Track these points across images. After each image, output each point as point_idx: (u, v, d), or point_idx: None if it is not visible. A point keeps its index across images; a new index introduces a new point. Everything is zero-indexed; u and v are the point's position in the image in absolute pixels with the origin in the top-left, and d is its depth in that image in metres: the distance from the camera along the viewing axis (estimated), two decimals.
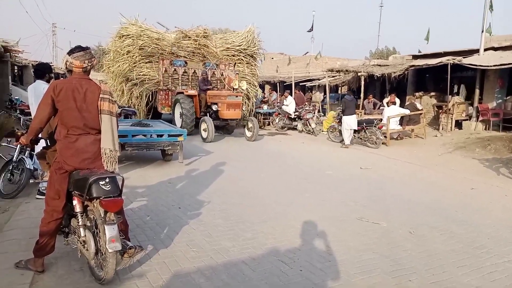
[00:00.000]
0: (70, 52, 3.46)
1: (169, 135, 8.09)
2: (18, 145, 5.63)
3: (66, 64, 3.46)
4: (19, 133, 5.47)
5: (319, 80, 23.45)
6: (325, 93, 21.37)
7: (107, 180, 3.17)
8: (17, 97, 14.08)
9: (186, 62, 15.31)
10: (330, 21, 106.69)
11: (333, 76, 21.06)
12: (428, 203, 6.26)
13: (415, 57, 17.49)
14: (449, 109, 14.04)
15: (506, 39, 14.75)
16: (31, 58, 22.27)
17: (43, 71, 5.83)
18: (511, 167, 9.01)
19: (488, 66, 12.40)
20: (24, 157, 5.74)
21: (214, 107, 12.65)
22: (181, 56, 15.38)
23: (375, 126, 12.17)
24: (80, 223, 3.31)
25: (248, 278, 3.56)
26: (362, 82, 16.72)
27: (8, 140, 6.92)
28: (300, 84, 23.77)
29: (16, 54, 16.20)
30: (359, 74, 17.00)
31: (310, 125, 14.77)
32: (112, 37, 15.83)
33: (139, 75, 14.71)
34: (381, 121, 13.06)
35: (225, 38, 16.80)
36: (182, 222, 4.90)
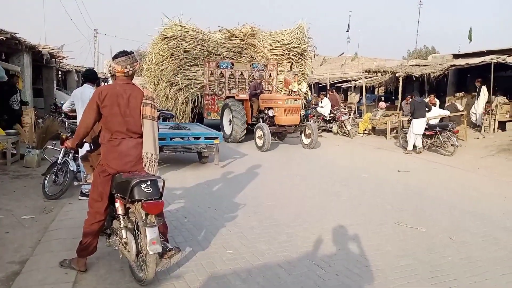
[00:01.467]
0: (114, 57, 3.57)
1: (206, 138, 8.23)
2: (63, 148, 5.88)
3: (109, 69, 3.60)
4: (63, 137, 5.71)
5: (355, 81, 23.12)
6: (361, 94, 21.06)
7: (149, 183, 3.26)
8: (62, 102, 14.64)
9: (232, 64, 14.46)
10: (367, 21, 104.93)
11: (369, 77, 20.72)
12: (469, 208, 6.06)
13: (456, 56, 16.95)
14: (492, 110, 13.51)
15: None
16: (74, 63, 23.12)
17: (92, 76, 6.10)
18: None
19: None
20: (68, 159, 6.00)
21: (270, 112, 11.33)
22: (227, 57, 14.60)
23: (449, 131, 10.78)
24: (122, 225, 3.43)
25: (283, 281, 3.57)
26: (400, 83, 16.34)
27: (53, 142, 7.26)
28: (335, 85, 23.52)
29: (60, 60, 16.86)
30: (396, 74, 16.63)
31: (345, 127, 14.55)
32: (153, 40, 15.22)
33: (184, 79, 14.07)
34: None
35: (273, 36, 15.79)
36: (218, 224, 4.97)
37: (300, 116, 11.82)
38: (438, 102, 14.20)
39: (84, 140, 3.85)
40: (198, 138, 8.22)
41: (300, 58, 15.88)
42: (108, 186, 3.51)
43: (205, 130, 8.91)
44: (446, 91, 17.07)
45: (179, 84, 13.98)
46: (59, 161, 5.98)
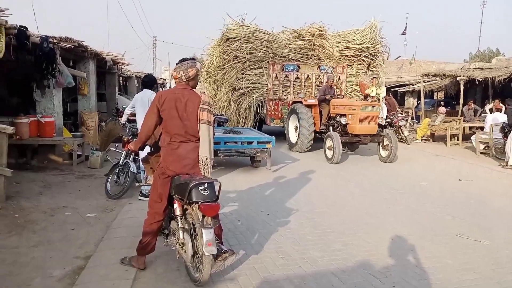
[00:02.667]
0: (176, 64, 3.73)
1: (258, 142, 8.30)
2: (125, 150, 6.18)
3: (172, 76, 3.75)
4: (125, 139, 6.03)
5: (413, 85, 22.35)
6: (419, 99, 20.30)
7: (206, 185, 3.34)
8: (124, 106, 15.16)
9: (299, 66, 13.51)
10: (425, 22, 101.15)
11: (428, 81, 19.95)
12: None
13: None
14: None
15: None
16: (134, 69, 24.18)
17: (150, 82, 6.41)
18: None
19: None
20: (129, 161, 6.28)
21: (343, 120, 10.14)
22: (293, 59, 13.57)
23: None
24: (179, 226, 3.53)
25: None
26: (462, 87, 15.58)
27: (116, 145, 7.63)
28: (392, 89, 22.85)
29: (122, 66, 17.69)
30: (458, 78, 15.89)
31: (402, 133, 14.04)
32: (214, 42, 14.38)
33: (248, 83, 13.17)
34: (482, 129, 12.08)
35: (342, 37, 14.51)
36: (270, 228, 4.98)
37: (379, 125, 10.42)
38: (504, 108, 13.37)
39: (146, 143, 4.02)
40: (251, 143, 8.30)
41: (372, 59, 14.68)
42: (167, 188, 3.63)
43: (258, 135, 9.01)
44: None
45: (242, 89, 13.16)
46: (120, 162, 6.28)
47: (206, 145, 3.65)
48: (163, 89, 31.26)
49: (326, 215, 5.65)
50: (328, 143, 9.91)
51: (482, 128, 12.69)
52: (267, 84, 13.23)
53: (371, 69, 14.71)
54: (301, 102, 11.40)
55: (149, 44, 48.17)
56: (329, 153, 9.83)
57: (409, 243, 4.64)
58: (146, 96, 6.29)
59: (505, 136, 10.31)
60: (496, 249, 4.54)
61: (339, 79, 13.85)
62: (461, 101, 15.76)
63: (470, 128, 14.47)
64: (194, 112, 3.61)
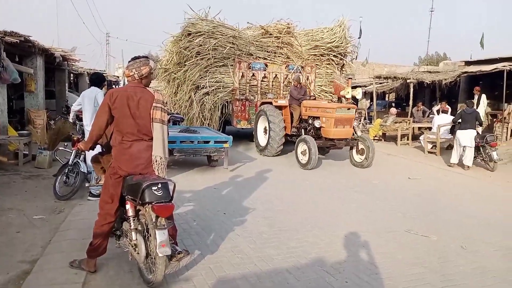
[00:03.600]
0: (128, 62, 3.64)
1: (215, 142, 8.25)
2: (74, 150, 5.94)
3: (123, 74, 3.65)
4: (75, 138, 5.78)
5: (366, 86, 23.03)
6: (371, 100, 20.96)
7: (160, 185, 3.27)
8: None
9: (266, 65, 12.75)
10: (378, 26, 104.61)
11: (380, 83, 20.63)
12: (482, 217, 5.98)
13: (467, 63, 16.78)
14: (505, 118, 13.35)
15: None
16: (86, 66, 23.37)
17: (99, 79, 6.22)
18: None
19: None
20: (79, 161, 6.05)
21: (316, 123, 9.51)
22: (260, 57, 12.84)
23: (487, 143, 9.79)
24: (132, 227, 3.44)
25: (292, 287, 3.54)
26: (411, 90, 16.24)
27: (65, 144, 7.33)
28: None
29: (73, 63, 17.03)
30: (407, 81, 16.54)
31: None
32: (174, 37, 13.29)
33: (212, 81, 12.25)
34: (430, 130, 12.67)
35: (310, 35, 13.91)
36: (227, 228, 4.96)
37: (354, 128, 9.91)
38: (450, 109, 14.08)
39: (98, 142, 3.88)
40: (207, 142, 8.23)
41: (341, 59, 14.24)
42: (119, 188, 3.53)
43: (215, 134, 8.95)
44: (458, 98, 16.92)
45: (206, 87, 12.19)
46: (70, 162, 6.03)
47: (160, 145, 3.58)
48: (116, 86, 30.49)
49: (282, 213, 5.69)
50: (302, 147, 9.31)
51: (430, 128, 13.28)
52: (232, 83, 12.41)
53: (340, 69, 14.29)
54: (270, 103, 10.81)
55: (102, 41, 46.73)
56: (303, 159, 9.22)
57: (362, 239, 4.77)
58: (93, 94, 6.13)
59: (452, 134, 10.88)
60: (443, 244, 4.76)
61: (307, 79, 13.32)
62: (410, 103, 16.40)
63: (419, 128, 15.10)
64: (147, 111, 3.53)
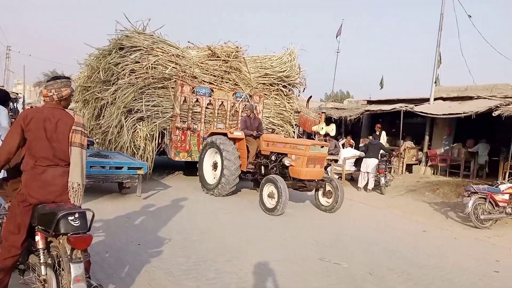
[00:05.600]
0: (46, 82, 3.43)
1: (129, 168, 7.93)
2: None
3: (41, 93, 3.42)
4: None
5: None
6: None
7: (77, 215, 3.04)
8: None
9: (212, 90, 11.34)
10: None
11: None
12: (384, 244, 6.45)
13: (369, 102, 18.36)
14: (401, 153, 14.73)
15: (453, 90, 15.85)
16: None
17: (5, 97, 5.71)
18: (458, 211, 9.49)
19: (437, 114, 13.25)
20: None
21: (286, 161, 8.34)
22: (205, 81, 11.43)
23: (377, 170, 11.71)
24: (41, 261, 3.13)
25: None
26: None
27: None
28: None
29: None
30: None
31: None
32: (98, 50, 11.75)
33: (149, 105, 10.46)
34: (336, 162, 13.52)
35: (259, 61, 12.79)
36: (142, 259, 4.75)
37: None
38: (354, 144, 15.17)
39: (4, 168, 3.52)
40: (120, 168, 7.88)
41: (290, 90, 13.39)
42: (28, 217, 3.22)
43: (128, 160, 8.59)
44: (360, 133, 18.32)
45: (143, 112, 10.33)
46: None
47: (78, 170, 3.37)
48: (16, 104, 27.99)
49: (198, 243, 5.60)
50: (269, 188, 8.00)
51: (336, 160, 14.14)
52: (172, 108, 10.71)
53: (288, 101, 13.27)
54: (223, 134, 9.46)
55: (1, 54, 43.00)
56: (270, 202, 7.94)
57: (279, 268, 4.86)
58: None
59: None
60: (353, 271, 5.04)
61: (255, 108, 11.48)
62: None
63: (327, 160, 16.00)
64: (66, 134, 3.32)
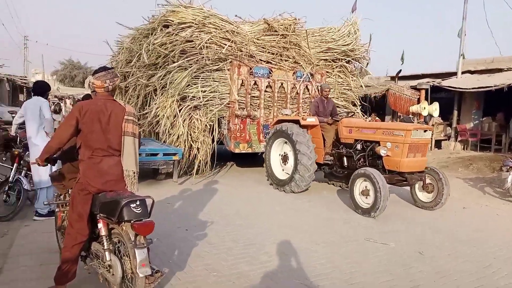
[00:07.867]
0: (94, 73, 3.47)
1: (164, 154, 7.98)
2: (15, 165, 5.44)
3: (89, 85, 3.42)
4: (15, 152, 5.30)
5: None
6: None
7: (138, 202, 3.09)
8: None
9: (271, 70, 9.93)
10: None
11: None
12: (427, 223, 6.35)
13: (393, 78, 18.02)
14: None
15: (479, 62, 15.43)
16: (2, 72, 21.51)
17: (42, 89, 5.73)
18: (495, 187, 9.29)
19: (467, 88, 12.93)
20: (20, 177, 5.51)
21: (382, 151, 6.80)
22: (262, 60, 9.92)
23: None
24: (105, 247, 3.18)
25: None
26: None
27: (3, 158, 6.64)
28: None
29: None
30: None
31: None
32: (137, 30, 10.50)
33: (207, 91, 9.16)
34: None
35: (318, 35, 11.06)
36: (192, 245, 4.78)
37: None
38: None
39: (55, 156, 3.57)
40: (156, 155, 7.94)
41: (354, 67, 11.74)
42: (88, 206, 3.28)
43: (163, 146, 8.62)
44: (385, 110, 18.05)
45: (199, 99, 9.04)
46: (10, 179, 5.46)
47: (132, 158, 3.44)
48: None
49: (242, 227, 5.60)
50: (361, 185, 6.68)
51: None
52: (228, 93, 9.38)
53: (352, 79, 11.52)
54: (295, 121, 8.06)
55: (20, 44, 43.51)
56: (364, 201, 6.62)
57: (327, 250, 4.84)
58: (38, 105, 5.59)
59: None
60: (401, 250, 4.97)
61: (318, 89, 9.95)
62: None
63: None
64: (119, 125, 3.38)
